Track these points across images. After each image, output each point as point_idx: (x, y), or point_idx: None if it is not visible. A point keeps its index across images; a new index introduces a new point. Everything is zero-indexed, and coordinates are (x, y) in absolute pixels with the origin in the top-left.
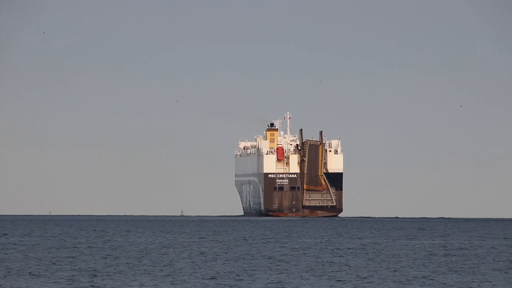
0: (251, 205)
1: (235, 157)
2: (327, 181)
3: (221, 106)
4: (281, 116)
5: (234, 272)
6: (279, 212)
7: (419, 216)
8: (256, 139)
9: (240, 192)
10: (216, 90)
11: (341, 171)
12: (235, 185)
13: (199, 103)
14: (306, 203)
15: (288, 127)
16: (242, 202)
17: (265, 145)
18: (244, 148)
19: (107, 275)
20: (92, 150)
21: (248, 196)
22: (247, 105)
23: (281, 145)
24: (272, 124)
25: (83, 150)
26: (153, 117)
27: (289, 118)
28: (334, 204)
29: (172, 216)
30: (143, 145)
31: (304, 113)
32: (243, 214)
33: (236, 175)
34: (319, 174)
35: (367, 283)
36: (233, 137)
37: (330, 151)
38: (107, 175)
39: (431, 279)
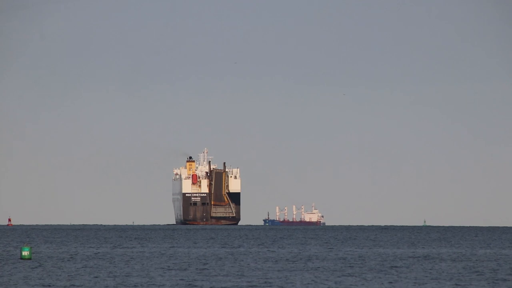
0: (178, 216)
1: (172, 180)
2: (228, 198)
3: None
4: (200, 151)
5: None
6: (193, 221)
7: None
8: (179, 168)
9: (174, 207)
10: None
11: (239, 191)
12: (172, 202)
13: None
14: (213, 215)
15: (205, 159)
16: (174, 214)
17: (184, 173)
18: (176, 174)
19: None
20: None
21: (176, 209)
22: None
23: (195, 173)
24: (190, 157)
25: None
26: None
27: (206, 152)
28: (234, 215)
29: (126, 224)
30: (109, 165)
31: (216, 149)
32: (175, 223)
33: (172, 194)
34: (223, 193)
35: None
36: (172, 165)
37: (231, 176)
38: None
39: None
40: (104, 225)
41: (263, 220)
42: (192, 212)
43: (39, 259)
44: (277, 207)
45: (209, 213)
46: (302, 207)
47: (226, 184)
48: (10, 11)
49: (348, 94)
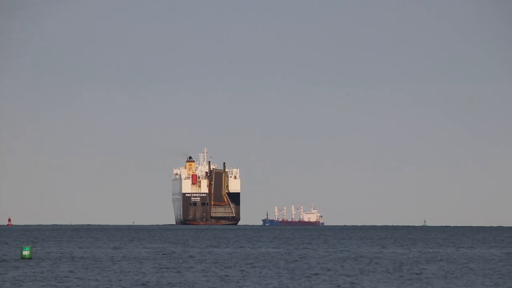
0: (178, 216)
1: (172, 180)
2: (228, 199)
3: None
4: (200, 151)
5: None
6: (193, 221)
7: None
8: (179, 168)
9: (173, 207)
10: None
11: (238, 191)
12: (172, 202)
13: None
14: (213, 215)
15: (205, 159)
16: (174, 214)
17: (183, 173)
18: (176, 174)
19: None
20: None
21: (176, 209)
22: (178, 144)
23: (195, 173)
24: (190, 157)
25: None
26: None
27: (206, 152)
28: (234, 215)
29: (126, 224)
30: (111, 165)
31: (215, 149)
32: (174, 223)
33: (172, 194)
34: (223, 193)
35: None
36: (172, 165)
37: (231, 176)
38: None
39: None
40: (104, 225)
41: (262, 220)
42: (192, 212)
43: (40, 258)
44: (276, 207)
45: (209, 213)
46: (301, 207)
47: (226, 184)
48: (10, 11)
49: (348, 94)
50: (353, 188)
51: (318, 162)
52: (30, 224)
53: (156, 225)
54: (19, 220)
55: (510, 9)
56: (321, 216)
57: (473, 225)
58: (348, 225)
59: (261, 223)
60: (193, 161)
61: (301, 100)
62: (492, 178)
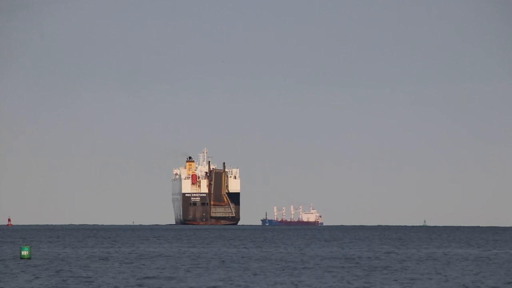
0: (177, 216)
1: (172, 180)
2: (228, 199)
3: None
4: (200, 151)
5: None
6: (193, 221)
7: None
8: (179, 168)
9: (173, 207)
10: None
11: (238, 191)
12: (172, 202)
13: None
14: (213, 215)
15: (205, 159)
16: (174, 214)
17: (183, 173)
18: (175, 174)
19: None
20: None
21: (176, 209)
22: (178, 144)
23: (195, 173)
24: (190, 157)
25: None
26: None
27: (206, 152)
28: (234, 215)
29: (125, 224)
30: (112, 165)
31: (215, 149)
32: (174, 223)
33: (172, 194)
34: (223, 193)
35: None
36: (172, 165)
37: (231, 176)
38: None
39: None
40: (104, 225)
41: (261, 220)
42: (192, 212)
43: (39, 258)
44: (275, 207)
45: (209, 213)
46: (301, 207)
47: (225, 184)
48: (10, 11)
49: (348, 94)
50: (352, 188)
51: (318, 162)
52: (30, 224)
53: (156, 225)
54: (19, 220)
55: (510, 9)
56: (320, 216)
57: (473, 225)
58: (347, 225)
59: (260, 223)
60: (193, 161)
61: (301, 100)
62: (492, 178)
